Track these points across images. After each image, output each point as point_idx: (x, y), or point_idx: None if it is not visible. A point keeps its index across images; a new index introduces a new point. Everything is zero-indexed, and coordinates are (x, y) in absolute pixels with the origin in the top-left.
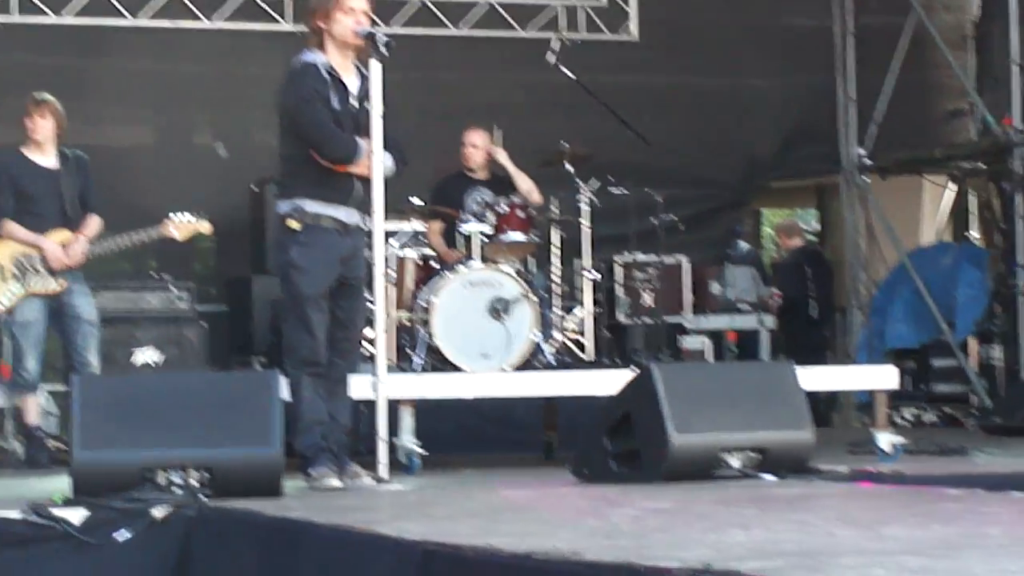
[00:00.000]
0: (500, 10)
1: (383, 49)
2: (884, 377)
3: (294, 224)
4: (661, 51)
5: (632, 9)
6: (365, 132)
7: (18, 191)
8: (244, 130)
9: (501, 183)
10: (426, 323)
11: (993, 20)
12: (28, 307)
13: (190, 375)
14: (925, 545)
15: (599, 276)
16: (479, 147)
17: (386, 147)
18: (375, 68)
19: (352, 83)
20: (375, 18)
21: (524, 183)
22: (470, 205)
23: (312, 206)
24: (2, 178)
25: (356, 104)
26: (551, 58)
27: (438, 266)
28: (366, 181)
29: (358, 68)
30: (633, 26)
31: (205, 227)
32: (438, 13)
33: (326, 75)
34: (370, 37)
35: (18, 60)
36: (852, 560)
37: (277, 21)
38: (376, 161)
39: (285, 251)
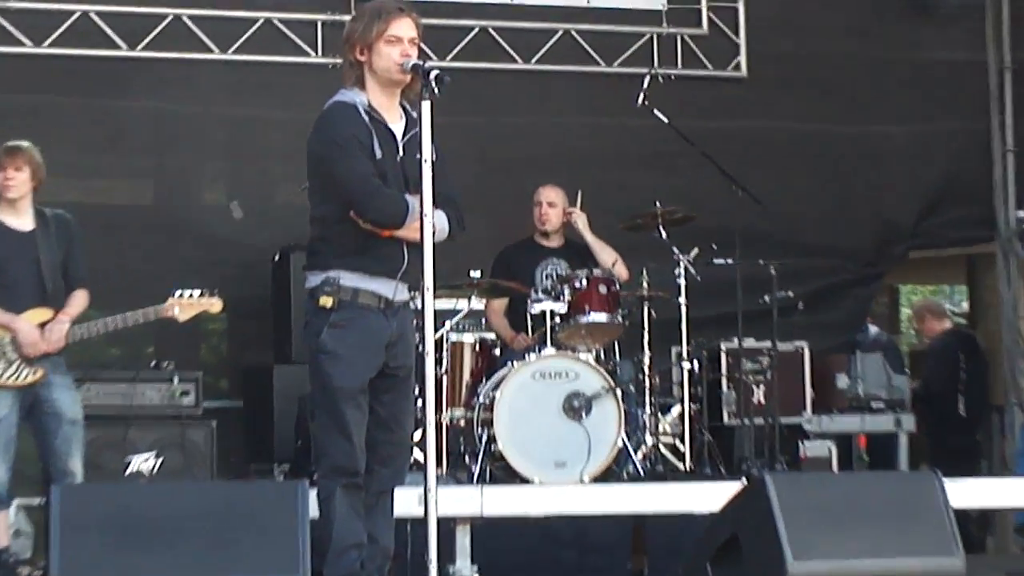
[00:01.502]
0: (579, 40)
1: (436, 86)
2: None
3: (327, 301)
4: (775, 90)
5: (741, 39)
6: (414, 188)
7: None
8: (265, 185)
9: (579, 252)
10: (487, 424)
11: None
12: None
13: (196, 486)
14: None
15: (699, 366)
16: (555, 207)
17: (439, 205)
18: (426, 109)
19: (398, 128)
20: (426, 49)
21: (607, 254)
22: (541, 279)
23: (350, 279)
24: None
25: (403, 153)
26: (641, 98)
27: (501, 353)
28: (415, 248)
29: (405, 110)
30: (742, 60)
31: (215, 305)
32: (504, 43)
33: (366, 118)
34: (420, 71)
35: None
36: None
37: (307, 53)
38: (427, 223)
39: (315, 334)
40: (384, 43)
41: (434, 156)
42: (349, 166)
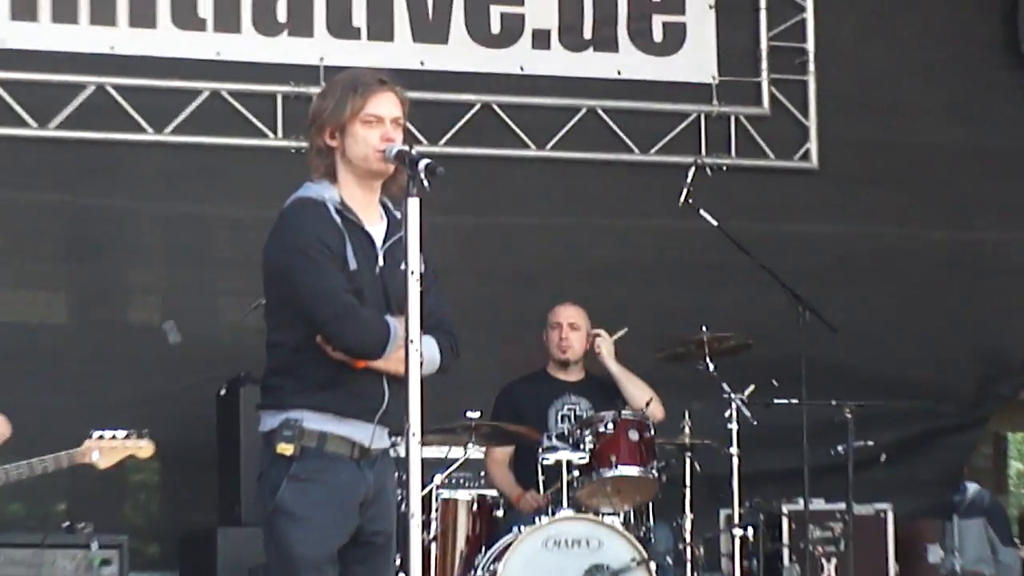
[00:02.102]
0: (607, 120)
1: (426, 178)
2: None
3: (287, 448)
4: (853, 185)
5: (811, 122)
6: (397, 307)
7: None
8: (209, 301)
9: (603, 388)
10: None
11: None
12: None
13: None
14: None
15: (754, 534)
16: (578, 330)
17: (428, 330)
18: (413, 207)
19: (378, 231)
20: (414, 131)
21: (639, 390)
22: (556, 422)
23: (316, 421)
24: None
25: (383, 263)
26: (685, 195)
27: (505, 515)
28: (398, 383)
29: (386, 208)
30: (812, 148)
31: (144, 449)
32: (512, 124)
33: (338, 218)
34: (406, 160)
35: None
36: None
37: (263, 134)
38: (413, 352)
39: (272, 491)
40: (361, 124)
41: (422, 267)
42: (316, 280)
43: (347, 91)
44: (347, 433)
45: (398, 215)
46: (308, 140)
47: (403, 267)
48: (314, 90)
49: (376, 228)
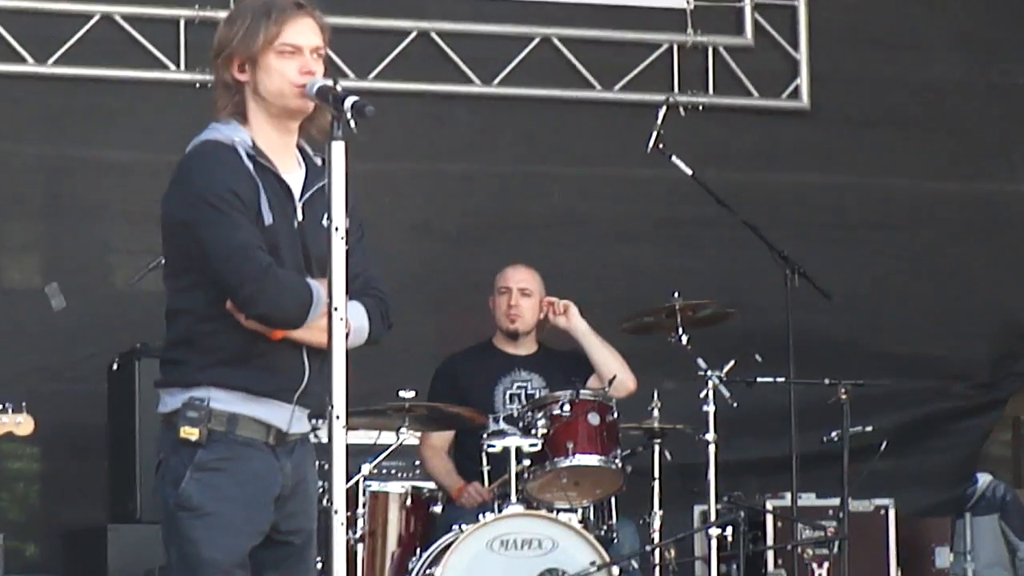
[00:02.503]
0: (564, 51)
1: (354, 118)
2: None
3: (191, 433)
4: (849, 128)
5: (802, 54)
6: (319, 268)
7: None
8: (98, 262)
9: (560, 363)
10: None
11: None
12: None
13: None
14: None
15: (734, 533)
16: (529, 296)
17: (355, 294)
18: (338, 153)
19: (295, 179)
20: (339, 63)
21: (607, 358)
22: (504, 402)
23: (225, 400)
24: None
25: (302, 217)
26: (654, 139)
27: (443, 511)
28: (320, 356)
29: (304, 153)
30: (803, 84)
31: (23, 425)
32: (453, 55)
33: (250, 164)
34: (329, 97)
35: None
36: None
37: (164, 65)
38: (338, 320)
39: (174, 482)
40: (275, 55)
41: (347, 221)
42: (226, 236)
43: (259, 16)
44: (261, 415)
45: (319, 161)
46: (214, 73)
47: (325, 222)
48: (222, 15)
49: (293, 176)
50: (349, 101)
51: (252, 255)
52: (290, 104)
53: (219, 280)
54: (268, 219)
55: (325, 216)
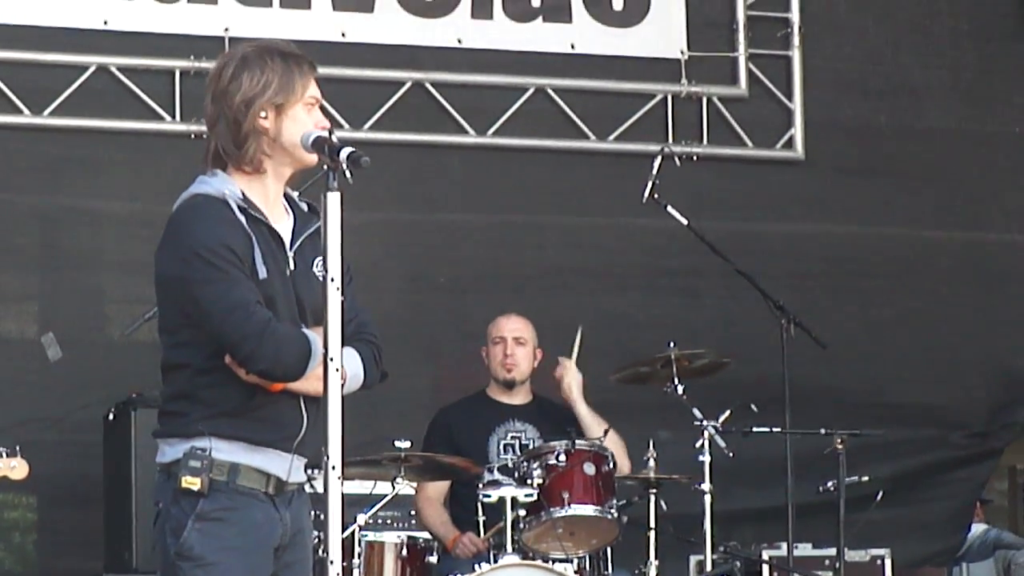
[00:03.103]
0: (559, 101)
1: (347, 169)
2: None
3: (193, 483)
4: (844, 178)
5: (796, 103)
6: (312, 317)
7: None
8: (94, 313)
9: (554, 413)
10: None
11: None
12: None
13: None
14: None
15: None
16: (524, 345)
17: (346, 338)
18: (333, 204)
19: (284, 227)
20: (335, 114)
21: (594, 423)
22: (499, 452)
23: (226, 451)
24: None
25: (294, 267)
26: (649, 189)
27: (439, 562)
28: (316, 405)
29: (288, 199)
30: (797, 133)
31: (17, 470)
32: (447, 106)
33: (242, 217)
34: (324, 147)
35: None
36: None
37: (159, 116)
38: (333, 371)
39: (175, 532)
40: (303, 106)
41: (343, 272)
42: (224, 293)
43: (289, 67)
44: (261, 464)
45: (304, 207)
46: (229, 121)
47: (317, 270)
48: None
49: (283, 225)
50: (345, 152)
51: (251, 312)
52: (304, 156)
53: (218, 337)
54: (263, 272)
55: (316, 263)
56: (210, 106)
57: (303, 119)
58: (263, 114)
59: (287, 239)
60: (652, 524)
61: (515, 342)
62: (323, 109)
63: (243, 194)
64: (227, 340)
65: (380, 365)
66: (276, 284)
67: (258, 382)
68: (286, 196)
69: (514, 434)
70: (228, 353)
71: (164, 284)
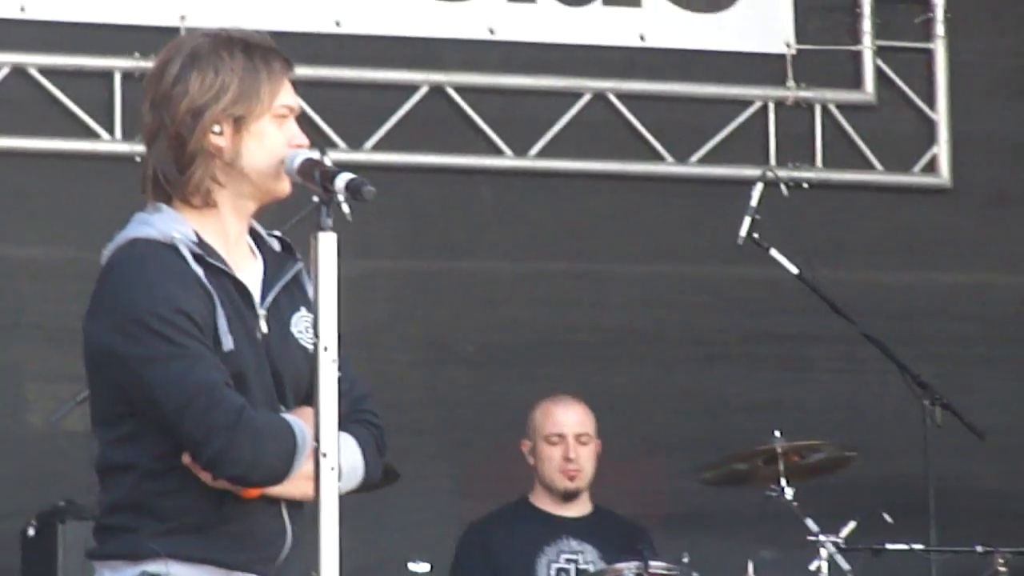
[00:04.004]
0: (623, 110)
1: (345, 202)
2: None
3: None
4: (1003, 211)
5: (940, 114)
6: (293, 391)
7: None
8: (9, 394)
9: (619, 527)
10: None
11: None
12: None
13: None
14: None
15: None
16: (586, 444)
17: (342, 422)
18: (326, 248)
19: (251, 276)
20: (328, 130)
21: None
22: None
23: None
24: None
25: (267, 328)
26: (747, 227)
27: None
28: (301, 512)
29: (255, 235)
30: (942, 155)
31: None
32: (476, 118)
33: (196, 268)
34: (315, 173)
35: None
36: None
37: (94, 134)
38: (327, 470)
39: None
40: (272, 119)
41: (339, 337)
42: (180, 373)
43: (254, 63)
44: None
45: (275, 244)
46: (170, 137)
47: (296, 330)
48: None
49: (250, 273)
50: (342, 180)
51: (217, 398)
52: (272, 184)
53: (174, 432)
54: (228, 343)
55: (295, 320)
56: (148, 115)
57: (272, 136)
58: (216, 128)
59: (256, 292)
60: None
61: (577, 441)
62: (305, 123)
63: (197, 236)
64: (187, 437)
65: (384, 453)
66: (246, 356)
67: (227, 487)
68: (251, 231)
69: (569, 556)
70: (188, 452)
71: (98, 362)
